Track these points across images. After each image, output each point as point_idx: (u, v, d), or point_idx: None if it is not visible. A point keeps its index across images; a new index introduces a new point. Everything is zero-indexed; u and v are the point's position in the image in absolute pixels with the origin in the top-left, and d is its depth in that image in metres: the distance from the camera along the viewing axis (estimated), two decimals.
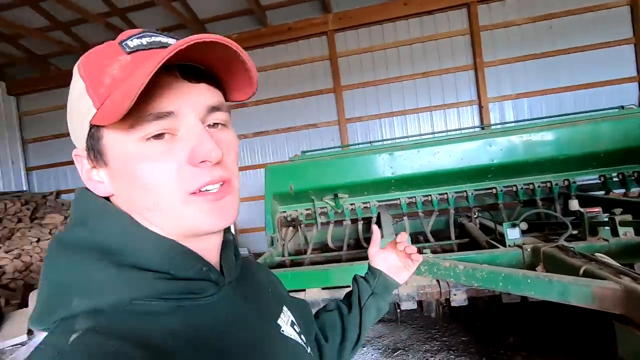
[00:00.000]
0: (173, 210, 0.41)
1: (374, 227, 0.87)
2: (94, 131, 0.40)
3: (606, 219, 2.16)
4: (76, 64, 0.42)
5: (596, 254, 1.83)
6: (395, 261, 0.82)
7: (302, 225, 3.60)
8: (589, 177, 3.21)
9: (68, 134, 0.45)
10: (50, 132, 7.04)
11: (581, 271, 1.63)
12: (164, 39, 0.41)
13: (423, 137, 5.45)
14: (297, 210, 3.56)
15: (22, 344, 3.26)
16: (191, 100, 0.40)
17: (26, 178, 7.06)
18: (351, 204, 3.47)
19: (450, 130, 5.40)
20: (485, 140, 2.96)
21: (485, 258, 2.25)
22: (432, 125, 5.67)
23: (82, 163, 0.44)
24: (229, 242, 0.53)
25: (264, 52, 6.13)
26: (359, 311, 0.79)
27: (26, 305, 4.06)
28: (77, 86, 0.40)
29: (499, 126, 5.02)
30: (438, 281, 2.38)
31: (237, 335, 0.44)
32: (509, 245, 2.34)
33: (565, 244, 2.03)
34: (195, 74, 0.41)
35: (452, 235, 3.22)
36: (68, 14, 5.46)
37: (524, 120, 4.59)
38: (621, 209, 2.17)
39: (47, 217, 6.44)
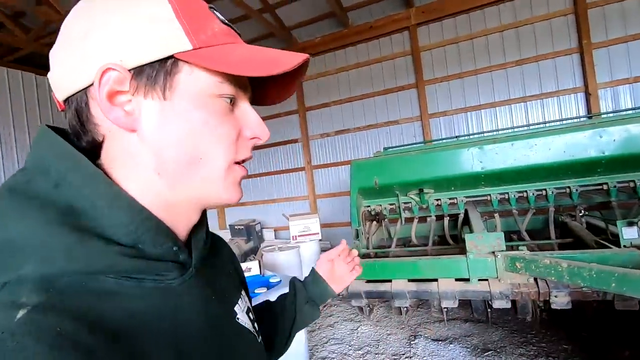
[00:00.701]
0: (212, 172, 0.40)
1: (343, 241, 0.87)
2: (171, 63, 0.37)
3: None
4: None
5: None
6: (339, 270, 0.81)
7: (385, 220, 3.67)
8: None
9: None
10: None
11: None
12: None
13: (515, 130, 5.06)
14: (380, 205, 3.64)
15: None
16: (250, 87, 0.45)
17: None
18: (437, 200, 3.42)
19: (549, 122, 4.91)
20: (594, 130, 2.67)
21: (593, 258, 2.07)
22: (526, 117, 5.22)
23: (110, 81, 0.36)
24: (203, 220, 0.49)
25: (346, 53, 6.31)
26: (294, 316, 0.76)
27: None
28: (156, 8, 0.37)
29: (611, 115, 4.41)
30: (536, 280, 2.26)
31: (194, 323, 0.41)
32: (624, 246, 2.11)
33: None
34: None
35: (552, 235, 2.98)
36: None
37: None
38: None
39: None
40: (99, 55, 0.35)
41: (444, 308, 2.86)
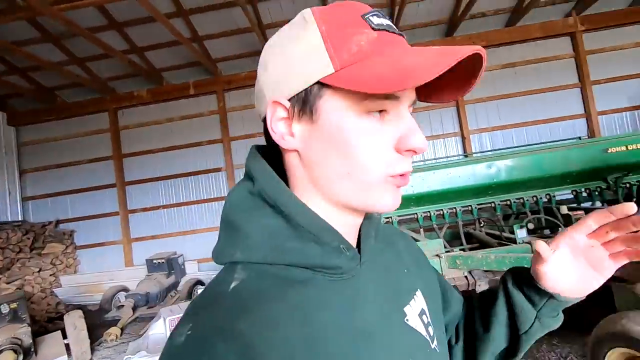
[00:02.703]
0: (366, 186, 0.42)
1: (539, 242, 0.52)
2: (317, 88, 0.40)
3: None
4: (309, 13, 0.42)
5: None
6: (577, 269, 0.52)
7: None
8: (563, 192, 4.02)
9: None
10: (50, 162, 7.08)
11: None
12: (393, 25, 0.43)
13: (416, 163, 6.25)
14: None
15: None
16: (409, 91, 0.42)
17: (22, 208, 6.93)
18: None
19: (438, 158, 6.23)
20: (487, 163, 3.69)
21: (503, 252, 2.88)
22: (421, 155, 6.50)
23: (275, 110, 0.43)
24: (374, 219, 0.53)
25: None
26: (519, 340, 0.57)
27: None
28: (309, 37, 0.40)
29: (479, 154, 5.93)
30: (468, 274, 2.97)
31: (356, 318, 0.44)
32: (519, 243, 3.00)
33: None
34: None
35: (464, 242, 3.85)
36: (87, 49, 5.81)
37: (500, 149, 5.52)
38: None
39: (47, 247, 6.37)
40: (268, 91, 0.44)
41: None
